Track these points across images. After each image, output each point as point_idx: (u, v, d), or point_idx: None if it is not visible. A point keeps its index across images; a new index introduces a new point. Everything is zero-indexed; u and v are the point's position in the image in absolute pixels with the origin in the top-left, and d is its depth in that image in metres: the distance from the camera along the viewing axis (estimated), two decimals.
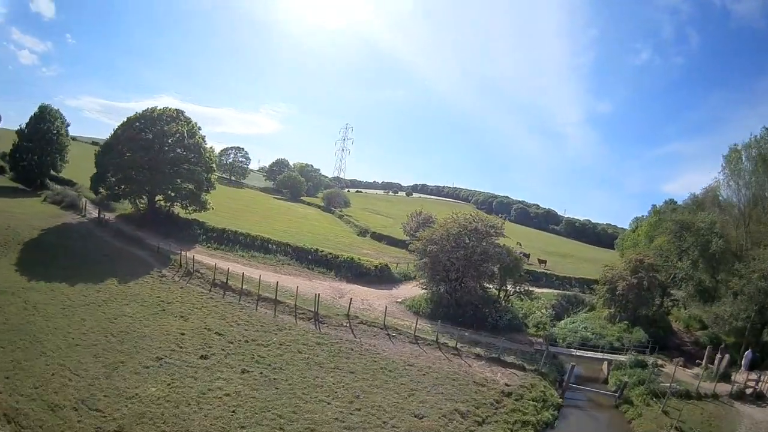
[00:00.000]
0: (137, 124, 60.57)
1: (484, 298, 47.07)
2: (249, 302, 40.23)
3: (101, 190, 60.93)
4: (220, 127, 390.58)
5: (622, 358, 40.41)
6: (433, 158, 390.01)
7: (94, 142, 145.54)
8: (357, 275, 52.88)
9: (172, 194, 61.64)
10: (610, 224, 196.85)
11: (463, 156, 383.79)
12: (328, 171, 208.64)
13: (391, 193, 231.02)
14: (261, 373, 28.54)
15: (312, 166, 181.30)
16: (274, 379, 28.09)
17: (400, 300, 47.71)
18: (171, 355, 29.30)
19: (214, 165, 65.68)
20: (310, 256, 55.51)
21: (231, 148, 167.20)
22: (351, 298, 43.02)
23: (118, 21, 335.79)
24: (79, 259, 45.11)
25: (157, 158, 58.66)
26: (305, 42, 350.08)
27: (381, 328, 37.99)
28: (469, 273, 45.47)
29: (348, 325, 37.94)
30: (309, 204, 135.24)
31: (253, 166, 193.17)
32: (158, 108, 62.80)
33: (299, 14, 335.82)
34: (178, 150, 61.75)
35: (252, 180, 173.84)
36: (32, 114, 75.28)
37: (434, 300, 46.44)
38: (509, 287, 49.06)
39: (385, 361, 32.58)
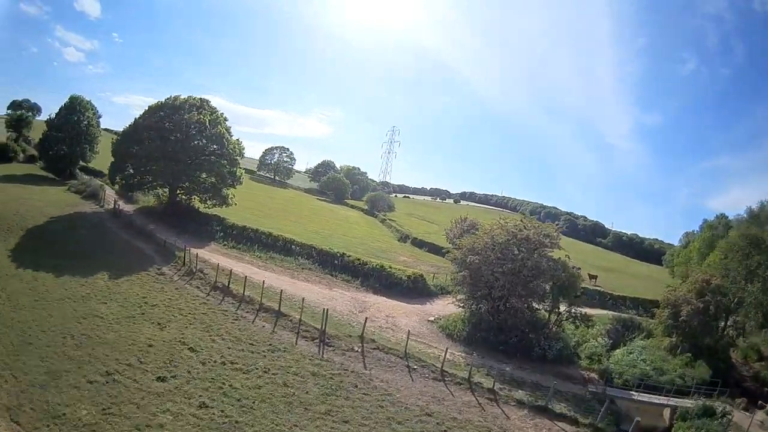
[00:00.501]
0: (160, 113, 56.16)
1: (532, 322, 38.18)
2: (248, 312, 33.27)
3: (118, 179, 56.85)
4: (268, 129, 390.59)
5: (687, 403, 32.25)
6: (481, 166, 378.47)
7: None
8: (386, 286, 44.84)
9: (191, 186, 56.74)
10: (656, 239, 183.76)
11: (511, 165, 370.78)
12: (375, 176, 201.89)
13: (438, 199, 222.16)
14: (223, 411, 21.27)
15: (359, 169, 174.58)
16: (237, 422, 20.66)
17: (432, 318, 39.45)
18: (124, 372, 23.17)
19: (238, 158, 59.46)
20: (336, 261, 47.96)
21: (276, 147, 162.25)
22: (370, 316, 35.60)
23: (165, 22, 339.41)
24: (78, 249, 40.48)
25: (175, 147, 53.66)
26: (356, 46, 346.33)
27: (401, 357, 29.80)
28: (516, 291, 36.77)
29: (360, 350, 29.97)
30: (353, 207, 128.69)
31: (301, 167, 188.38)
32: (182, 96, 57.97)
33: (350, 18, 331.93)
34: (199, 140, 56.70)
35: (297, 181, 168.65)
36: (62, 104, 72.64)
37: (472, 321, 37.88)
38: (562, 309, 39.59)
39: (395, 407, 24.33)
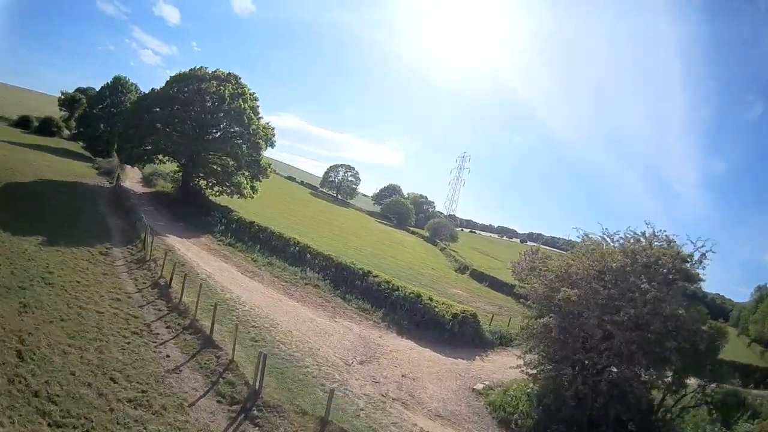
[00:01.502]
0: (180, 83, 45.83)
1: (638, 408, 20.99)
2: (169, 327, 20.00)
3: (126, 149, 46.99)
4: (340, 153, 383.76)
5: None
6: (550, 207, 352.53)
7: None
8: (419, 325, 29.26)
9: (202, 169, 46.23)
10: (718, 294, 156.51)
11: (579, 207, 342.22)
12: (442, 207, 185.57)
13: (505, 237, 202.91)
14: None
15: (426, 198, 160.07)
16: None
17: (480, 387, 23.35)
18: None
19: (262, 142, 46.57)
20: (357, 282, 33.06)
21: (340, 165, 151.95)
22: (376, 372, 21.01)
23: (244, 38, 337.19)
24: (38, 211, 31.53)
25: (182, 118, 43.56)
26: (434, 78, 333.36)
27: None
28: (635, 357, 19.58)
29: None
30: (413, 233, 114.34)
31: (368, 192, 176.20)
32: (205, 68, 47.36)
33: (428, 52, 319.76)
34: (214, 114, 45.23)
35: (360, 202, 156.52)
36: (105, 83, 65.36)
37: (545, 401, 21.50)
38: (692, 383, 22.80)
39: None
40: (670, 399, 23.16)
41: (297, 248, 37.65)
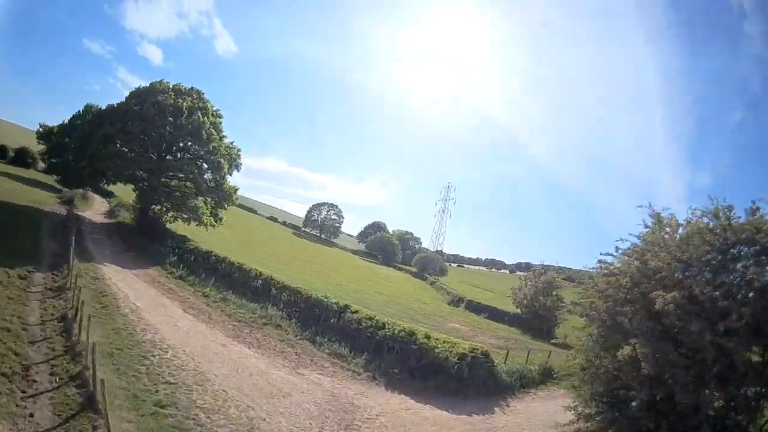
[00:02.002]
0: (138, 97, 40.26)
1: None
2: (48, 377, 13.24)
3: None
4: (325, 193, 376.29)
5: None
6: (537, 236, 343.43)
7: None
8: (416, 372, 21.30)
9: (156, 192, 39.69)
10: None
11: (568, 234, 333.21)
12: (428, 243, 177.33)
13: (494, 269, 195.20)
14: None
15: (412, 234, 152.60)
16: None
17: None
18: None
19: (224, 163, 39.70)
20: (333, 320, 25.06)
21: (323, 203, 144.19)
22: None
23: (226, 79, 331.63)
24: None
25: (135, 134, 37.63)
26: (415, 115, 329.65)
27: None
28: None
29: None
30: (400, 269, 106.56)
31: (353, 232, 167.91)
32: (167, 82, 41.55)
33: (409, 87, 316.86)
34: (168, 129, 38.74)
35: (344, 241, 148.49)
36: (76, 112, 59.19)
37: None
38: None
39: None
40: None
41: (259, 281, 29.99)
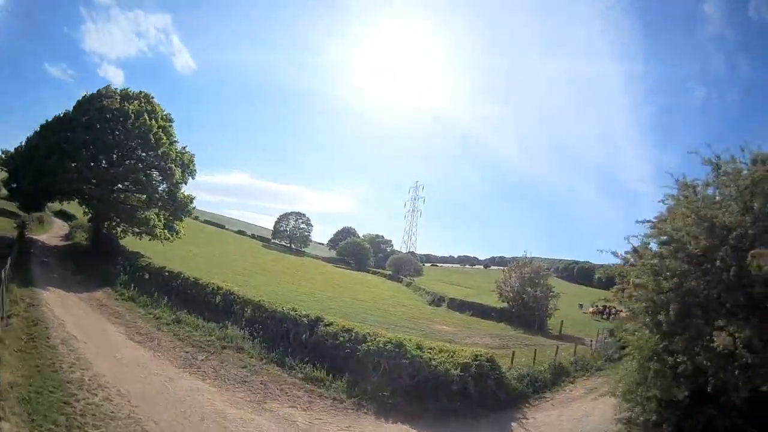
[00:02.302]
0: (84, 105, 36.60)
1: None
2: None
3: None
4: (294, 205, 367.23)
5: None
6: (508, 230, 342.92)
7: None
8: (411, 393, 17.00)
9: (107, 207, 36.21)
10: None
11: (538, 225, 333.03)
12: (400, 246, 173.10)
13: (467, 266, 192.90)
14: None
15: (383, 237, 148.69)
16: None
17: None
18: None
19: (175, 167, 35.20)
20: (304, 335, 20.48)
21: (291, 213, 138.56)
22: None
23: (188, 96, 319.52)
24: None
25: (78, 144, 33.73)
26: (377, 119, 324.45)
27: None
28: None
29: None
30: (374, 273, 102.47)
31: (325, 240, 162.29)
32: (114, 87, 38.28)
33: (370, 94, 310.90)
34: (115, 135, 34.34)
35: (315, 250, 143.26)
36: (33, 132, 53.23)
37: None
38: None
39: None
40: None
41: (219, 297, 25.31)
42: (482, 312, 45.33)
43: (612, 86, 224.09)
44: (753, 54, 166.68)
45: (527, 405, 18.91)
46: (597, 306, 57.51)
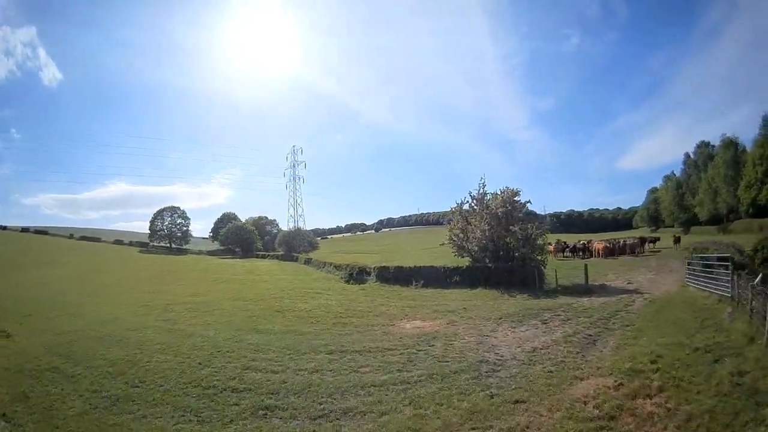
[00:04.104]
0: None
1: None
2: None
3: None
4: (175, 204, 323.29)
5: None
6: (393, 192, 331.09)
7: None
8: None
9: None
10: (609, 209, 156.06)
11: (424, 183, 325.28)
12: (286, 224, 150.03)
13: (358, 233, 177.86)
14: None
15: (267, 217, 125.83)
16: None
17: None
18: None
19: None
20: None
21: (164, 209, 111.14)
22: None
23: (57, 110, 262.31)
24: None
25: None
26: (243, 99, 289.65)
27: None
28: None
29: None
30: (264, 257, 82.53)
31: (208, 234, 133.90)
32: None
33: (234, 74, 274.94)
34: None
35: (198, 245, 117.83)
36: None
37: None
38: None
39: None
40: None
41: None
42: (437, 278, 28.80)
43: (482, 38, 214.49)
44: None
45: None
46: (558, 244, 44.60)
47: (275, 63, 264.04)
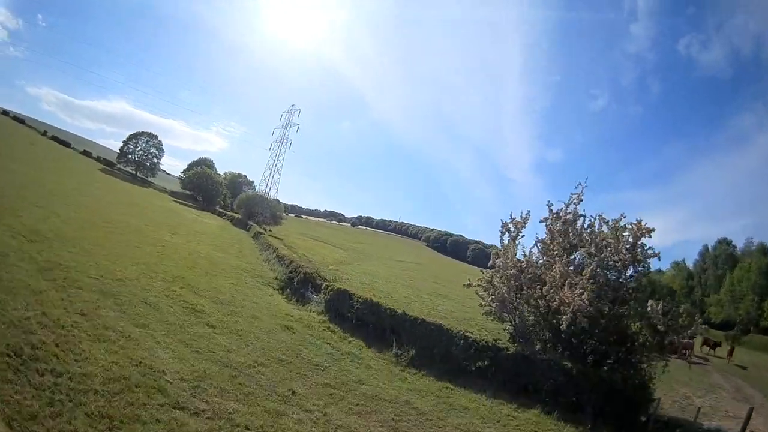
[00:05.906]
0: None
1: None
2: None
3: None
4: (172, 141, 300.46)
5: None
6: (378, 192, 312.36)
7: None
8: None
9: None
10: None
11: (410, 192, 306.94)
12: (263, 184, 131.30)
13: (334, 221, 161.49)
14: None
15: (245, 177, 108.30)
16: None
17: None
18: None
19: None
20: None
21: (141, 133, 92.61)
22: None
23: (87, 10, 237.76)
24: None
25: None
26: (259, 59, 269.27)
27: None
28: None
29: None
30: (221, 215, 66.72)
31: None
32: None
33: (256, 33, 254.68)
34: None
35: (164, 182, 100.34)
36: None
37: None
38: None
39: None
40: None
41: None
42: (444, 352, 13.41)
43: (512, 73, 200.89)
44: (667, 80, 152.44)
45: None
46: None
47: (306, 34, 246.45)
